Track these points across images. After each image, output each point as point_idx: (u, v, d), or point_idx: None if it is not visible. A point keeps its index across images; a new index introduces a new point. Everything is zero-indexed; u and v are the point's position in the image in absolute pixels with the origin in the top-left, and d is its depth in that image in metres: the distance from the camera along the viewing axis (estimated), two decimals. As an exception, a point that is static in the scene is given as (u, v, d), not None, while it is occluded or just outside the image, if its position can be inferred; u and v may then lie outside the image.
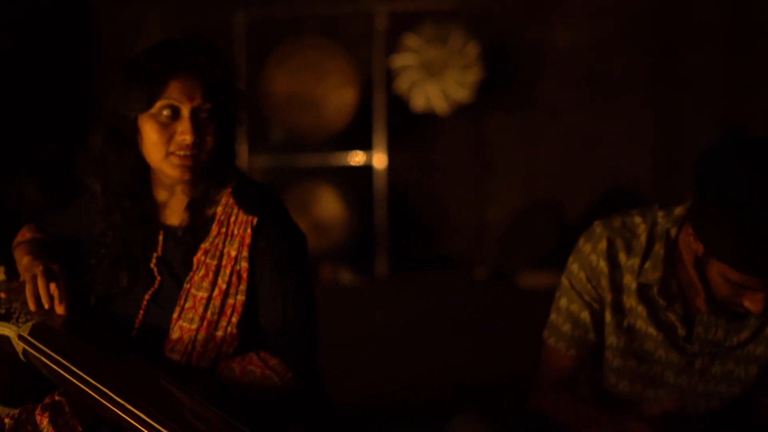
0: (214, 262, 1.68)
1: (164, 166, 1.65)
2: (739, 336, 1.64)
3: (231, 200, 1.71)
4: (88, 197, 1.78)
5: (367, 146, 5.70)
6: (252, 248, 1.68)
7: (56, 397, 1.50)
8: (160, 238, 1.73)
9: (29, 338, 1.54)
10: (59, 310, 1.61)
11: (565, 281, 1.74)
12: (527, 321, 1.79)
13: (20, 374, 1.58)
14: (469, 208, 6.01)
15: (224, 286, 1.67)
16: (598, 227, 1.71)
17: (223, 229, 1.70)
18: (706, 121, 5.50)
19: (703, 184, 1.46)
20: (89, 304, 1.72)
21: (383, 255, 5.63)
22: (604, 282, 1.68)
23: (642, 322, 1.67)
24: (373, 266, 5.62)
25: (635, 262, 1.65)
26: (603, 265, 1.68)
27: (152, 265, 1.72)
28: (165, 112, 1.62)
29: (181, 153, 1.63)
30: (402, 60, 5.45)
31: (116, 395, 1.41)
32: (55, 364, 1.48)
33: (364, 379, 3.33)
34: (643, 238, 1.65)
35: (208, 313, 1.66)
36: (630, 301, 1.67)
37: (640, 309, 1.66)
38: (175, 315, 1.67)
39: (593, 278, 1.69)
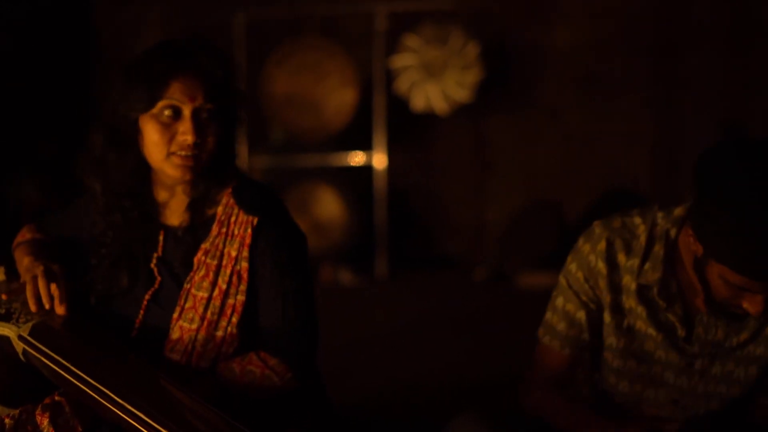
0: (215, 262, 1.68)
1: (165, 166, 1.65)
2: (738, 337, 1.64)
3: (231, 200, 1.71)
4: (88, 197, 1.78)
5: (367, 146, 5.70)
6: (252, 248, 1.68)
7: (56, 398, 1.50)
8: (161, 238, 1.73)
9: (29, 338, 1.54)
10: (60, 310, 1.61)
11: (562, 280, 1.74)
12: (527, 321, 1.79)
13: (20, 374, 1.58)
14: (469, 209, 6.01)
15: (224, 286, 1.67)
16: (597, 227, 1.71)
17: (224, 229, 1.70)
18: (706, 121, 5.50)
19: (703, 185, 1.46)
20: (89, 304, 1.72)
21: (383, 255, 5.63)
22: (602, 283, 1.68)
23: (642, 323, 1.67)
24: (373, 266, 5.62)
25: (635, 262, 1.65)
26: (601, 265, 1.67)
27: (152, 266, 1.72)
28: (166, 113, 1.62)
29: (183, 153, 1.63)
30: (402, 60, 5.45)
31: (116, 395, 1.41)
32: (55, 365, 1.48)
33: (364, 380, 3.33)
34: (642, 239, 1.65)
35: (209, 313, 1.66)
36: (630, 302, 1.67)
37: (640, 310, 1.66)
38: (175, 315, 1.67)
39: (591, 278, 1.69)
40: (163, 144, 1.63)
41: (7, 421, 1.48)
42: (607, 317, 1.69)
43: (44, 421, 1.46)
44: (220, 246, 1.69)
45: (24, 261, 1.71)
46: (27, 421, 1.47)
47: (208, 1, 5.92)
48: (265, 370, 1.64)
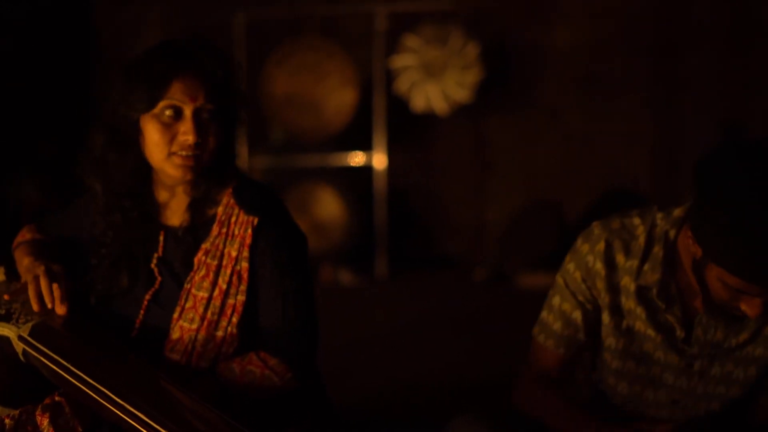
0: (215, 263, 1.68)
1: (166, 166, 1.65)
2: (738, 337, 1.64)
3: (232, 200, 1.71)
4: (88, 197, 1.78)
5: (366, 147, 5.70)
6: (252, 248, 1.68)
7: (56, 398, 1.50)
8: (161, 238, 1.73)
9: (29, 339, 1.54)
10: (61, 310, 1.61)
11: (559, 280, 1.73)
12: (527, 321, 1.79)
13: (20, 375, 1.58)
14: (469, 209, 6.01)
15: (225, 287, 1.67)
16: (596, 228, 1.71)
17: (224, 230, 1.70)
18: (706, 121, 5.50)
19: (703, 187, 1.45)
20: (89, 304, 1.72)
21: (383, 255, 5.63)
22: (600, 284, 1.68)
23: (641, 324, 1.66)
24: (373, 267, 5.62)
25: (634, 263, 1.65)
26: (600, 266, 1.67)
27: (153, 266, 1.72)
28: (167, 113, 1.62)
29: (184, 153, 1.63)
30: (402, 60, 5.45)
31: (116, 396, 1.41)
32: (54, 365, 1.48)
33: (363, 380, 3.33)
34: (641, 240, 1.65)
35: (209, 313, 1.66)
36: (629, 303, 1.67)
37: (639, 311, 1.66)
38: (175, 315, 1.67)
39: (588, 279, 1.69)
40: (163, 144, 1.63)
41: (7, 421, 1.48)
42: (606, 318, 1.69)
43: (44, 422, 1.46)
44: (221, 246, 1.69)
45: (24, 261, 1.71)
46: (27, 422, 1.47)
47: (208, 1, 5.91)
48: (265, 370, 1.64)
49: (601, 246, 1.67)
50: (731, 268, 1.43)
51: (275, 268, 1.68)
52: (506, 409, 1.75)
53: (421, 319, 4.51)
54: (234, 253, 1.68)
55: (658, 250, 1.63)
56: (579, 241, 1.72)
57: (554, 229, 5.45)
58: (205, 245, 1.70)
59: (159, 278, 1.71)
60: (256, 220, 1.68)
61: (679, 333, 1.64)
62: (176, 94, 1.61)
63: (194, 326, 1.66)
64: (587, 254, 1.69)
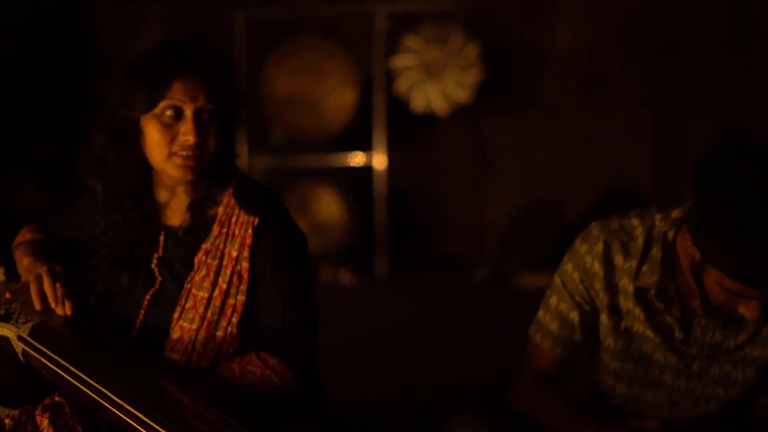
0: (215, 263, 1.68)
1: (167, 166, 1.65)
2: (736, 339, 1.63)
3: (232, 201, 1.71)
4: (88, 197, 1.78)
5: (366, 147, 5.70)
6: (253, 248, 1.68)
7: (56, 398, 1.50)
8: (161, 238, 1.73)
9: (29, 339, 1.54)
10: (65, 310, 1.61)
11: (557, 280, 1.73)
12: (527, 321, 1.79)
13: (20, 375, 1.58)
14: (469, 209, 6.01)
15: (225, 287, 1.67)
16: (595, 229, 1.70)
17: (224, 230, 1.70)
18: (706, 121, 5.50)
19: (702, 189, 1.45)
20: (89, 304, 1.72)
21: (383, 256, 5.63)
22: (598, 285, 1.67)
23: (639, 325, 1.66)
24: (373, 267, 5.62)
25: (632, 264, 1.65)
26: (598, 267, 1.67)
27: (153, 266, 1.72)
28: (168, 113, 1.62)
29: (184, 153, 1.63)
30: (402, 61, 5.45)
31: (115, 396, 1.41)
32: (54, 365, 1.48)
33: (363, 380, 3.33)
34: (640, 241, 1.65)
35: (209, 313, 1.66)
36: (627, 304, 1.67)
37: (638, 312, 1.66)
38: (175, 315, 1.67)
39: (586, 280, 1.68)
40: (164, 144, 1.63)
41: (7, 421, 1.48)
42: (604, 319, 1.69)
43: (44, 422, 1.46)
44: (221, 246, 1.69)
45: (24, 261, 1.71)
46: (27, 422, 1.47)
47: (208, 1, 5.92)
48: (264, 370, 1.64)
49: (600, 247, 1.67)
50: (730, 272, 1.42)
51: (275, 268, 1.68)
52: (506, 409, 1.74)
53: (421, 319, 4.51)
54: (234, 253, 1.68)
55: (656, 251, 1.62)
56: (577, 242, 1.72)
57: (554, 229, 5.45)
58: (205, 245, 1.70)
59: (159, 278, 1.71)
60: (256, 220, 1.68)
61: (678, 334, 1.64)
62: (177, 95, 1.61)
63: (194, 326, 1.66)
64: (585, 255, 1.68)
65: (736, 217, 1.38)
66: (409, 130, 5.87)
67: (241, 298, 1.67)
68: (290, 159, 5.85)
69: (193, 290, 1.68)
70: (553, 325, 1.71)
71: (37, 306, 1.60)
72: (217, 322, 1.66)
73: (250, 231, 1.68)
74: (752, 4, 5.43)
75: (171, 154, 1.64)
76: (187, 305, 1.67)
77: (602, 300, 1.68)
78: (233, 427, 1.43)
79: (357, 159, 5.74)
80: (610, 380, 1.72)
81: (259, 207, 1.70)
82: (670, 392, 1.68)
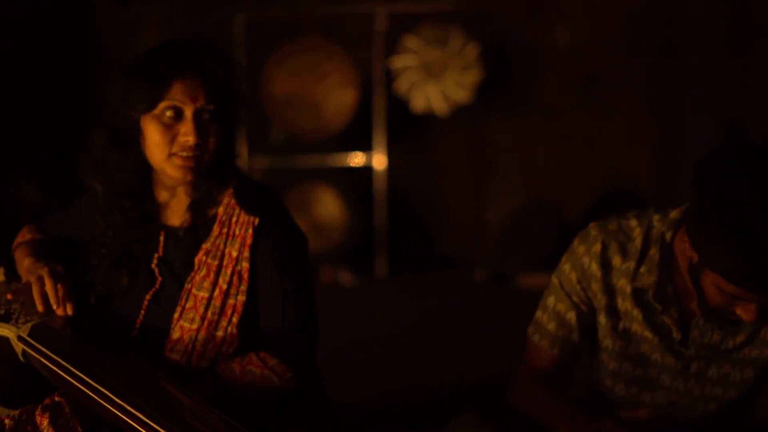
0: (215, 263, 1.68)
1: (167, 166, 1.65)
2: (734, 339, 1.63)
3: (232, 201, 1.71)
4: (88, 197, 1.78)
5: (366, 147, 5.70)
6: (253, 248, 1.68)
7: (56, 398, 1.50)
8: (161, 238, 1.73)
9: (29, 339, 1.54)
10: (67, 310, 1.61)
11: (555, 280, 1.73)
12: (527, 321, 1.79)
13: (20, 375, 1.58)
14: (469, 209, 6.01)
15: (225, 287, 1.67)
16: (593, 229, 1.70)
17: (225, 230, 1.70)
18: (706, 121, 5.50)
19: (700, 192, 1.45)
20: (89, 304, 1.72)
21: (383, 256, 5.63)
22: (596, 286, 1.67)
23: (637, 326, 1.66)
24: (373, 267, 5.62)
25: (630, 265, 1.65)
26: (595, 268, 1.67)
27: (153, 266, 1.72)
28: (168, 113, 1.62)
29: (184, 154, 1.63)
30: (402, 61, 5.45)
31: (115, 396, 1.41)
32: (54, 365, 1.48)
33: (363, 380, 3.33)
34: (638, 242, 1.64)
35: (209, 313, 1.66)
36: (625, 305, 1.67)
37: (636, 312, 1.66)
38: (176, 315, 1.67)
39: (584, 280, 1.68)
40: (164, 145, 1.63)
41: (7, 421, 1.48)
42: (602, 319, 1.69)
43: (44, 422, 1.46)
44: (221, 246, 1.69)
45: (25, 262, 1.71)
46: (27, 422, 1.47)
47: (208, 1, 5.91)
48: (264, 370, 1.64)
49: (597, 247, 1.67)
50: (727, 275, 1.42)
51: (275, 268, 1.68)
52: (506, 409, 1.75)
53: (421, 319, 4.51)
54: (234, 254, 1.68)
55: (654, 252, 1.62)
56: (575, 242, 1.72)
57: (554, 229, 5.45)
58: (205, 245, 1.70)
59: (159, 278, 1.71)
60: (256, 220, 1.68)
61: (676, 335, 1.64)
62: (177, 95, 1.61)
63: (194, 326, 1.66)
64: (583, 255, 1.68)
65: (734, 219, 1.38)
66: (409, 130, 5.87)
67: (242, 298, 1.67)
68: (290, 159, 5.85)
69: (194, 290, 1.68)
70: (551, 326, 1.72)
71: (40, 308, 1.60)
72: (218, 322, 1.66)
73: (250, 231, 1.68)
74: (752, 4, 5.43)
75: (171, 155, 1.64)
76: (188, 305, 1.67)
77: (600, 301, 1.68)
78: (233, 427, 1.43)
79: (357, 159, 5.74)
80: (609, 381, 1.72)
81: (259, 207, 1.70)
82: (669, 393, 1.68)
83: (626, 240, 1.66)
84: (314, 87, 5.58)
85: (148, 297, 1.70)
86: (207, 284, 1.67)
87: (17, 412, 1.49)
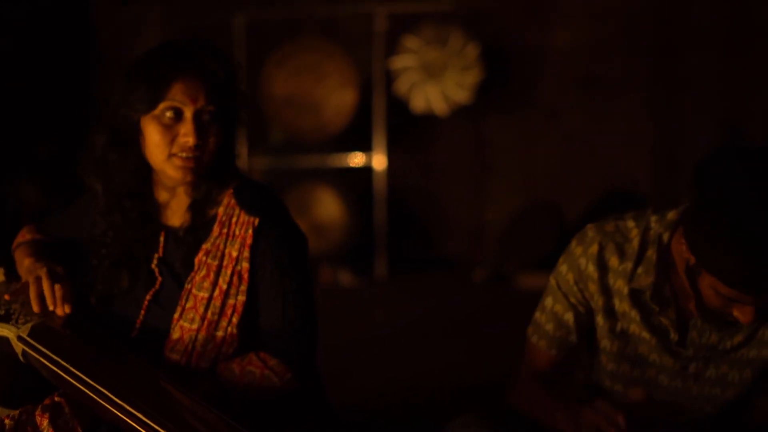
0: (216, 263, 1.68)
1: (167, 167, 1.65)
2: (732, 340, 1.63)
3: (232, 201, 1.71)
4: (88, 197, 1.78)
5: (366, 148, 5.70)
6: (253, 249, 1.68)
7: (56, 398, 1.50)
8: (161, 238, 1.73)
9: (28, 339, 1.54)
10: (65, 310, 1.61)
11: (552, 281, 1.73)
12: (526, 322, 1.79)
13: (20, 375, 1.58)
14: (469, 209, 6.01)
15: (225, 287, 1.67)
16: (590, 230, 1.70)
17: (225, 230, 1.70)
18: (706, 121, 5.50)
19: (698, 193, 1.45)
20: (89, 304, 1.72)
21: (383, 256, 5.63)
22: (593, 287, 1.67)
23: (635, 327, 1.66)
24: (373, 268, 5.62)
25: (627, 266, 1.64)
26: (592, 269, 1.67)
27: (153, 266, 1.72)
28: (168, 114, 1.62)
29: (184, 155, 1.63)
30: (401, 61, 5.45)
31: (115, 396, 1.41)
32: (54, 365, 1.48)
33: (363, 381, 3.33)
34: (635, 243, 1.64)
35: (209, 313, 1.66)
36: (623, 306, 1.67)
37: (633, 313, 1.66)
38: (176, 315, 1.67)
39: (581, 281, 1.68)
40: (164, 145, 1.63)
41: (7, 421, 1.48)
42: (600, 320, 1.68)
43: (44, 422, 1.46)
44: (221, 246, 1.69)
45: (24, 262, 1.71)
46: (27, 422, 1.47)
47: (208, 1, 5.92)
48: (264, 370, 1.64)
49: (594, 249, 1.67)
50: (724, 278, 1.42)
51: (275, 269, 1.68)
52: (506, 409, 1.75)
53: (421, 319, 4.51)
54: (234, 254, 1.68)
55: (651, 253, 1.62)
56: (573, 243, 1.72)
57: (554, 229, 5.45)
58: (205, 245, 1.70)
59: (159, 278, 1.71)
60: (256, 221, 1.68)
61: (674, 336, 1.64)
62: (177, 96, 1.61)
63: (194, 326, 1.66)
64: (580, 256, 1.68)
65: (731, 221, 1.38)
66: (408, 130, 5.87)
67: (242, 298, 1.67)
68: (290, 159, 5.85)
69: (194, 290, 1.68)
70: (549, 326, 1.72)
71: (35, 308, 1.60)
72: (218, 322, 1.66)
73: (250, 231, 1.68)
74: (752, 5, 5.43)
75: (171, 155, 1.64)
76: (188, 305, 1.67)
77: (597, 302, 1.68)
78: (233, 428, 1.43)
79: (357, 159, 5.74)
80: (608, 381, 1.72)
81: (259, 207, 1.70)
82: (667, 393, 1.68)
83: (623, 241, 1.66)
84: (314, 87, 5.58)
85: (148, 297, 1.70)
86: (207, 284, 1.67)
87: (17, 412, 1.49)
